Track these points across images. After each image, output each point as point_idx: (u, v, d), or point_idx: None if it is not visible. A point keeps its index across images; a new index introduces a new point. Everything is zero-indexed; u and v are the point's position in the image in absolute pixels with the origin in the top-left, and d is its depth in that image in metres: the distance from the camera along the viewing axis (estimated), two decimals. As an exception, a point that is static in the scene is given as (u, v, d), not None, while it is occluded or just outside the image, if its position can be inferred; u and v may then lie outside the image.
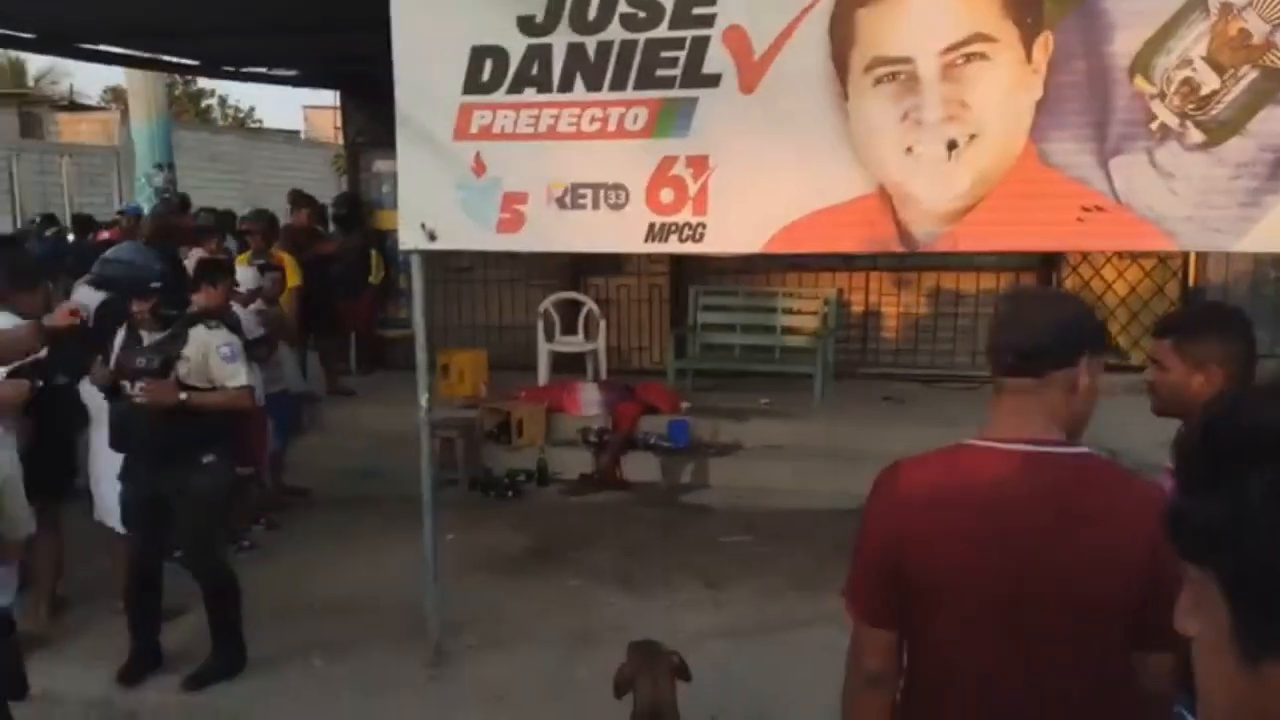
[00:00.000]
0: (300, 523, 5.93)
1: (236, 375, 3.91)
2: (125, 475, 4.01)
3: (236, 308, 5.26)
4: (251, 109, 35.13)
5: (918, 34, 3.22)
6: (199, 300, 4.70)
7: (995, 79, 3.19)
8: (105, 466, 4.26)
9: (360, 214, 8.76)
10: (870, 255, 8.36)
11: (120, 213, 7.79)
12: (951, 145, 3.22)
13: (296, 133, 28.76)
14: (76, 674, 4.04)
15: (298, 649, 4.30)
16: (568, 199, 3.57)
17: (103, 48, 6.80)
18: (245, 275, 5.82)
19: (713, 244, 3.46)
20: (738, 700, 3.78)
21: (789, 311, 8.21)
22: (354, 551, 5.45)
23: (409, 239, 3.80)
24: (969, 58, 3.19)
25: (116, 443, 3.98)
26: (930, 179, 3.25)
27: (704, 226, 3.44)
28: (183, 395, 3.80)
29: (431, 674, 4.09)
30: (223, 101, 35.53)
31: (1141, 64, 3.09)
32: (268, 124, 32.48)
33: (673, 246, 3.49)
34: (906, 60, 3.23)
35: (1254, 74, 3.00)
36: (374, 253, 8.52)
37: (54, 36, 6.34)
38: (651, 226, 3.48)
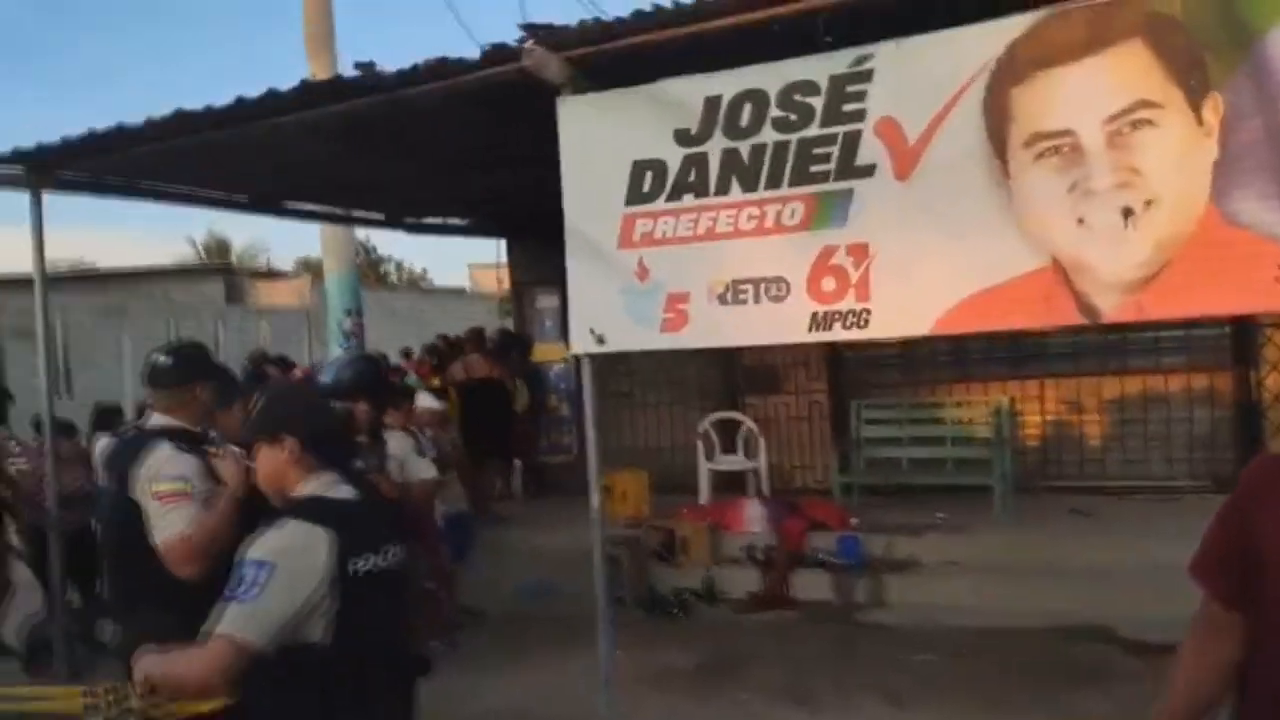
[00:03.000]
0: (477, 640, 6.01)
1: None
2: None
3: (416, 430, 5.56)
4: (424, 270, 38.06)
5: (1077, 106, 3.18)
6: (389, 420, 5.03)
7: (1166, 143, 3.09)
8: None
9: (510, 347, 9.18)
10: (1041, 363, 8.03)
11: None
12: (1127, 212, 3.11)
13: (462, 289, 30.87)
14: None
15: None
16: (729, 295, 3.65)
17: (302, 206, 7.60)
18: (422, 400, 6.18)
19: (878, 329, 3.43)
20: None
21: (958, 422, 7.91)
22: (528, 666, 5.46)
23: (579, 344, 3.95)
24: (1135, 125, 3.12)
25: None
26: (1107, 248, 3.13)
27: (868, 312, 3.42)
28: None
29: (609, 784, 3.97)
30: (399, 266, 38.67)
31: (1328, 114, 2.94)
32: (437, 283, 35.04)
33: (837, 334, 3.48)
34: (1068, 133, 3.19)
35: None
36: (519, 382, 8.87)
37: (262, 198, 7.15)
38: (814, 316, 3.50)
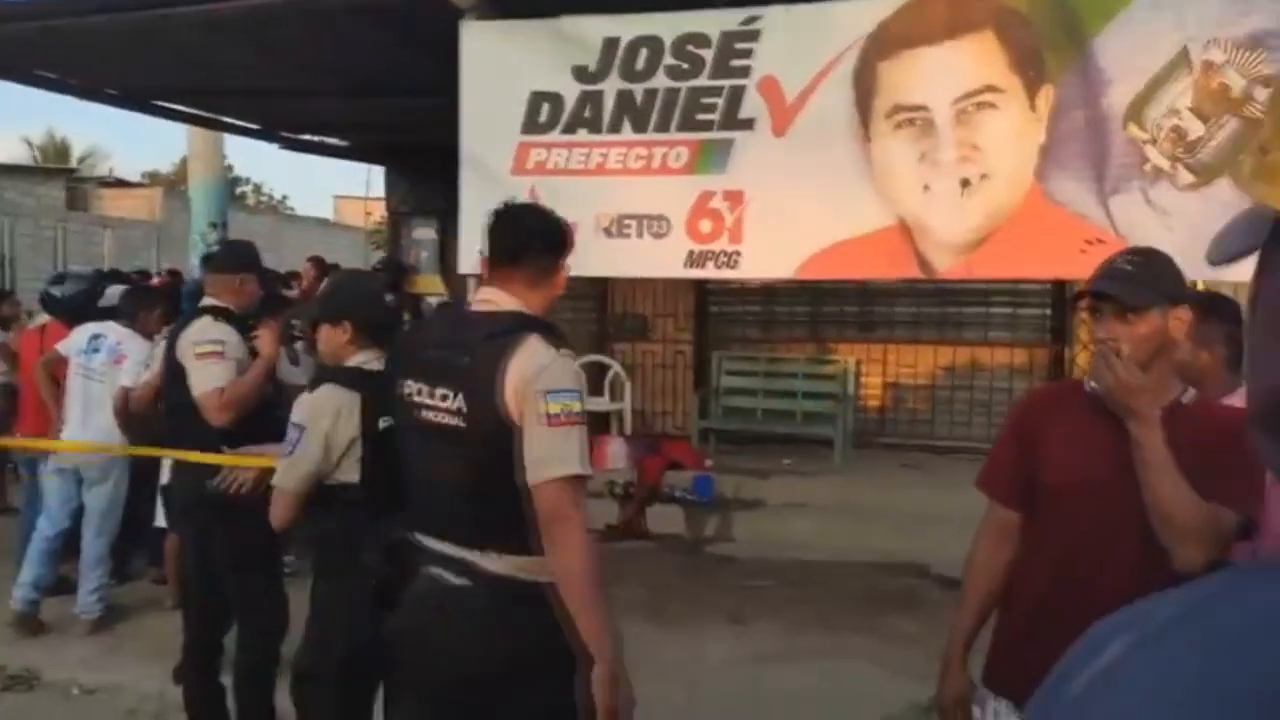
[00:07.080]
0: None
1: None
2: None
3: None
4: (284, 198, 36.51)
5: (933, 84, 3.59)
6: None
7: (1003, 125, 3.54)
8: None
9: (399, 279, 9.17)
10: (886, 329, 8.70)
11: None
12: (964, 183, 3.55)
13: (326, 219, 29.89)
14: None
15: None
16: (614, 228, 3.91)
17: (175, 106, 7.35)
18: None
19: (747, 270, 3.78)
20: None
21: (809, 377, 8.48)
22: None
23: (468, 265, 4.13)
24: (979, 106, 3.55)
25: None
26: (946, 213, 3.57)
27: (739, 254, 3.76)
28: None
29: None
30: (257, 189, 36.91)
31: (1134, 113, 3.44)
32: (299, 212, 33.73)
33: (710, 272, 3.81)
34: (923, 108, 3.59)
35: (1235, 122, 3.34)
36: (405, 315, 8.89)
37: (134, 92, 6.88)
38: (691, 253, 3.81)
